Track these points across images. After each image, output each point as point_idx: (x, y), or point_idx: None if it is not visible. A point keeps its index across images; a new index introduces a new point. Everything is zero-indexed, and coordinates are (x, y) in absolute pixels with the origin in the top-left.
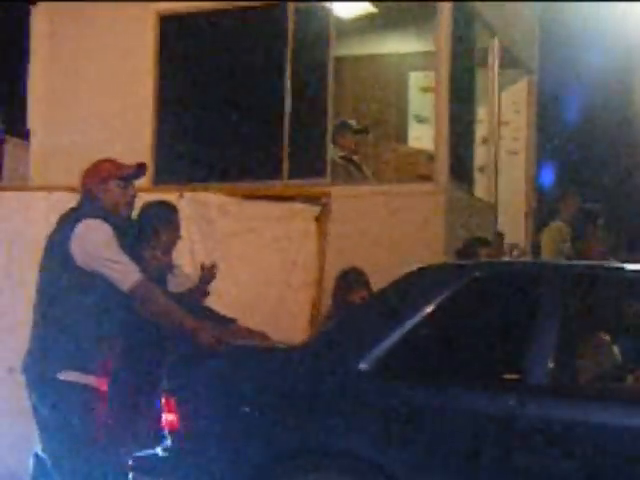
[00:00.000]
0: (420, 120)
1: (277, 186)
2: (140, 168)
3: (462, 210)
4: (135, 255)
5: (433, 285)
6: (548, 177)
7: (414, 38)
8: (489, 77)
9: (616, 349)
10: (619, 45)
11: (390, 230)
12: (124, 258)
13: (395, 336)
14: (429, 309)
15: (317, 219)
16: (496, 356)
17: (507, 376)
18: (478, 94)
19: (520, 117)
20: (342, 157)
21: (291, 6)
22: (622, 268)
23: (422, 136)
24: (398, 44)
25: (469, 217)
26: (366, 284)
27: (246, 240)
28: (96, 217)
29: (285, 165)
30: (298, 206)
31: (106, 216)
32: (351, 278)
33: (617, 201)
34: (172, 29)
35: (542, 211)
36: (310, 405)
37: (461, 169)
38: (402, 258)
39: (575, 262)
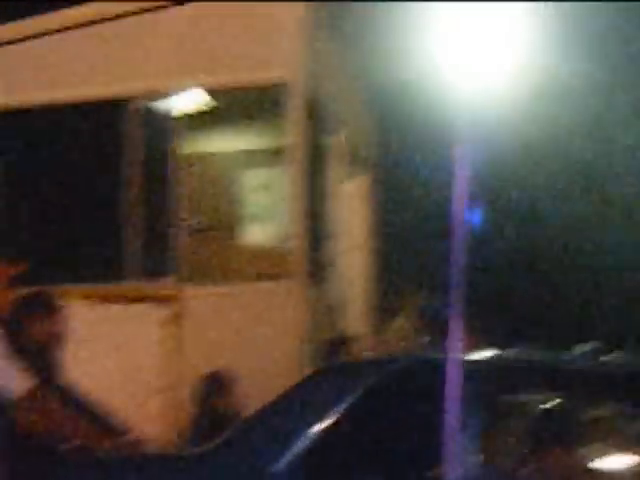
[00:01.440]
0: (254, 218)
1: (125, 287)
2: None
3: (318, 308)
4: None
5: (345, 383)
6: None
7: (249, 135)
8: (334, 173)
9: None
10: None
11: (247, 330)
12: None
13: (309, 437)
14: (342, 408)
15: (167, 322)
16: (416, 454)
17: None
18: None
19: (359, 213)
20: None
21: (133, 102)
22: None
23: (256, 235)
24: (232, 142)
25: (322, 315)
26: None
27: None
28: None
29: (132, 265)
30: (146, 308)
31: None
32: (218, 381)
33: None
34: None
35: (386, 308)
36: None
37: (315, 266)
38: (262, 358)
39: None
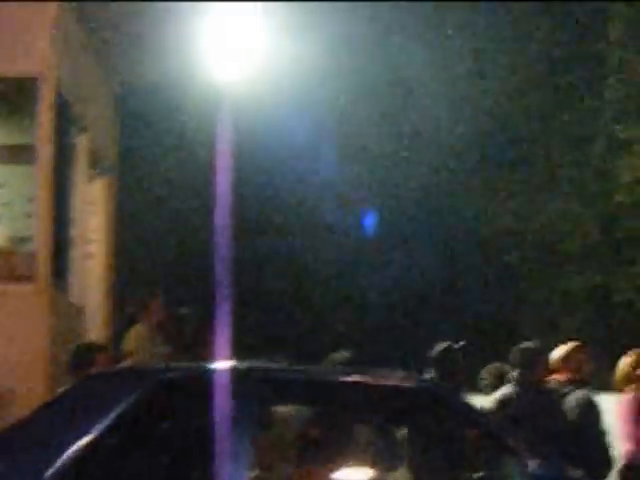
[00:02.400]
0: None
1: None
2: None
3: (61, 312)
4: None
5: (116, 390)
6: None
7: None
8: (77, 175)
9: None
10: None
11: None
12: None
13: (79, 447)
14: (114, 416)
15: None
16: (189, 464)
17: None
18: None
19: (98, 216)
20: None
21: None
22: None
23: None
24: None
25: (66, 320)
26: None
27: None
28: None
29: None
30: None
31: None
32: None
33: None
34: None
35: (126, 314)
36: None
37: (59, 270)
38: (5, 363)
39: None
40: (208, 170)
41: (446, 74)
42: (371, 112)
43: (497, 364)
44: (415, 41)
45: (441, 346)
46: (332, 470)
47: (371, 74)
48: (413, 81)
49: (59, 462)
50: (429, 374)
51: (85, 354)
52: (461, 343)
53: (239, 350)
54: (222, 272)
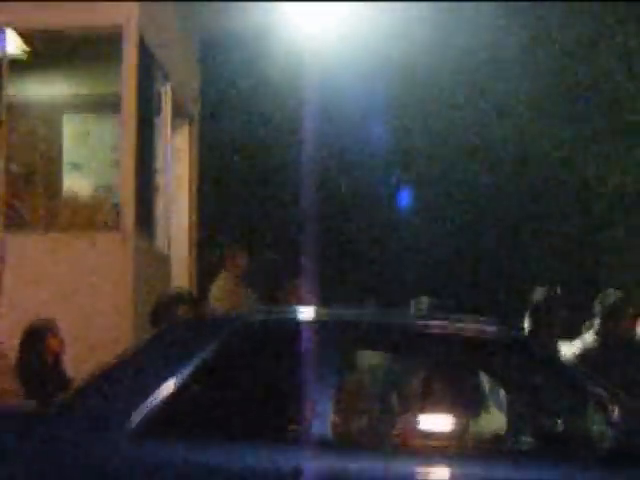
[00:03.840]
0: (75, 167)
1: None
2: None
3: (146, 261)
4: None
5: (198, 338)
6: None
7: (70, 80)
8: (162, 124)
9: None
10: (281, 93)
11: (73, 280)
12: None
13: (164, 392)
14: (198, 363)
15: None
16: (272, 411)
17: (287, 431)
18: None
19: (181, 165)
20: None
21: None
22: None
23: (77, 184)
24: (53, 87)
25: (151, 268)
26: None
27: None
28: None
29: None
30: None
31: None
32: (44, 330)
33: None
34: None
35: (211, 262)
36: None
37: (145, 219)
38: (90, 311)
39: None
40: (290, 120)
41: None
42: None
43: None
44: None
45: (539, 293)
46: (415, 417)
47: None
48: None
49: (142, 408)
50: (523, 322)
51: (168, 304)
52: (558, 291)
53: (324, 296)
54: (307, 220)
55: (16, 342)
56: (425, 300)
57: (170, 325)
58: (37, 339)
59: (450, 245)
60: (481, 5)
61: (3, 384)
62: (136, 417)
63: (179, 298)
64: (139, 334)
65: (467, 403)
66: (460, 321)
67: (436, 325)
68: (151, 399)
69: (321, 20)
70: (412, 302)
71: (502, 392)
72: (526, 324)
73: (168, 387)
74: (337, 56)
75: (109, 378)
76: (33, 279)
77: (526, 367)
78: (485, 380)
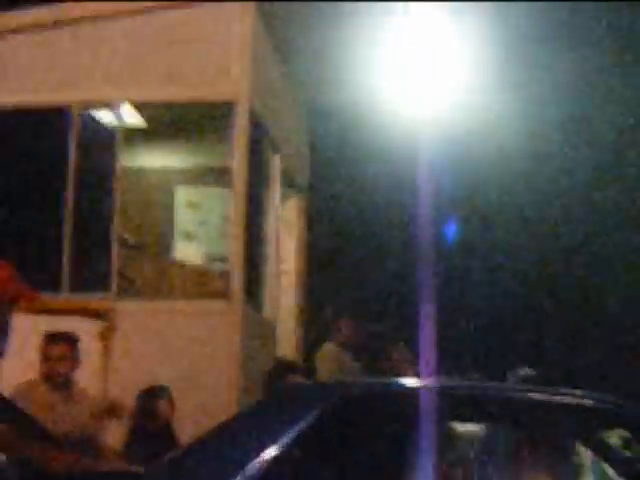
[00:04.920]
0: (186, 236)
1: (59, 299)
2: None
3: (253, 329)
4: None
5: (301, 406)
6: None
7: (182, 152)
8: (271, 195)
9: None
10: (389, 159)
11: (183, 347)
12: None
13: (263, 460)
14: (300, 431)
15: (102, 336)
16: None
17: None
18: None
19: (290, 235)
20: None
21: (75, 111)
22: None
23: (188, 252)
24: (166, 158)
25: (258, 336)
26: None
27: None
28: None
29: (66, 277)
30: (81, 321)
31: None
32: (155, 395)
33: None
34: None
35: (317, 331)
36: None
37: (252, 287)
38: (198, 377)
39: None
40: (400, 191)
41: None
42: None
43: None
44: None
45: None
46: None
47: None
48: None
49: (244, 474)
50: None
51: (281, 372)
52: None
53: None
54: (417, 290)
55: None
56: (524, 370)
57: (274, 393)
58: (150, 404)
59: (540, 310)
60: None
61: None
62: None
63: (291, 367)
64: (245, 400)
65: (568, 475)
66: (568, 394)
67: (542, 397)
68: (252, 465)
69: (430, 93)
70: (510, 373)
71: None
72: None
73: (269, 454)
74: (448, 125)
75: (213, 443)
76: (143, 345)
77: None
78: (587, 454)
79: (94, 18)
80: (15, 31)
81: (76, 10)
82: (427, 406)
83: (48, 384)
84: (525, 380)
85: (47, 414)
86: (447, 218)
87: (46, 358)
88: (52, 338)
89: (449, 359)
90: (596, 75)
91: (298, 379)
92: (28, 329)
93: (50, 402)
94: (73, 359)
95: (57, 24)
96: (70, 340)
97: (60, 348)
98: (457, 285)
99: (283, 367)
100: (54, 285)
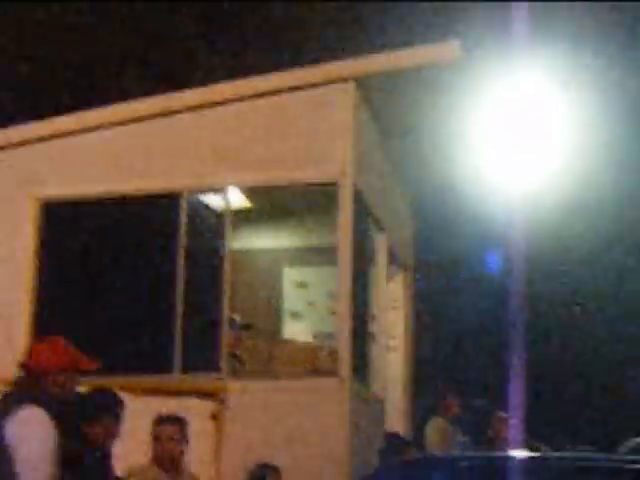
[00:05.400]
0: (294, 315)
1: (170, 380)
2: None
3: (362, 406)
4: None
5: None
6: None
7: (287, 233)
8: (377, 273)
9: None
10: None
11: (292, 424)
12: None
13: None
14: None
15: (213, 416)
16: None
17: None
18: (367, 288)
19: (397, 313)
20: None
21: (184, 197)
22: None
23: (296, 332)
24: (271, 239)
25: (367, 413)
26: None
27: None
28: (40, 404)
29: (178, 358)
30: (193, 402)
31: (49, 401)
32: (267, 475)
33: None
34: (56, 216)
35: (422, 407)
36: None
37: (361, 364)
38: (307, 455)
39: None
40: (501, 267)
41: None
42: None
43: None
44: None
45: None
46: None
47: None
48: None
49: None
50: None
51: (399, 447)
52: None
53: (535, 437)
54: (515, 364)
55: None
56: (636, 442)
57: (385, 467)
58: None
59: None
60: None
61: None
62: None
63: (409, 442)
64: (355, 475)
65: None
66: None
67: None
68: None
69: (531, 171)
70: (624, 445)
71: None
72: None
73: None
74: (545, 206)
75: None
76: (253, 424)
77: None
78: None
79: (204, 104)
80: (133, 120)
81: (187, 97)
82: (528, 477)
83: (158, 465)
84: (637, 450)
85: None
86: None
87: (156, 439)
88: (162, 419)
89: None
90: None
91: (413, 453)
92: (141, 410)
93: None
94: (182, 439)
95: (168, 113)
96: (179, 421)
97: (169, 429)
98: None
99: (402, 442)
100: (166, 367)
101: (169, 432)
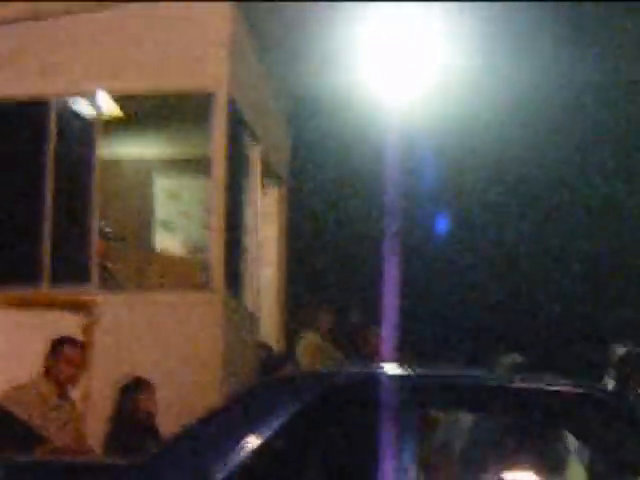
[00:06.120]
0: (166, 226)
1: (38, 292)
2: None
3: (235, 319)
4: None
5: (283, 397)
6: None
7: (160, 142)
8: (250, 186)
9: None
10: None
11: (164, 339)
12: None
13: (250, 449)
14: (282, 422)
15: (83, 330)
16: (355, 472)
17: None
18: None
19: (270, 226)
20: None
21: (53, 103)
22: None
23: (168, 243)
24: (143, 148)
25: (240, 326)
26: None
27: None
28: None
29: (46, 270)
30: (62, 314)
31: None
32: (138, 388)
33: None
34: None
35: (298, 321)
36: None
37: (233, 278)
38: (180, 368)
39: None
40: (380, 180)
41: None
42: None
43: None
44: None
45: (620, 351)
46: (497, 476)
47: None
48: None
49: (224, 466)
50: (607, 378)
51: (275, 363)
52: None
53: (408, 353)
54: (389, 276)
55: (109, 399)
56: (513, 357)
57: (256, 384)
58: (132, 397)
59: (525, 295)
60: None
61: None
62: (219, 475)
63: (283, 358)
64: (227, 390)
65: (551, 462)
66: (547, 382)
67: (523, 386)
68: (236, 456)
69: (413, 78)
70: (499, 359)
71: (584, 450)
72: (607, 381)
73: (251, 446)
74: (429, 114)
75: (195, 434)
76: (125, 337)
77: (613, 426)
78: (570, 439)
79: (73, 12)
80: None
81: (56, 5)
82: (399, 394)
83: (53, 385)
84: (514, 367)
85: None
86: (433, 209)
87: (56, 359)
88: (63, 340)
89: (439, 345)
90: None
91: (291, 369)
92: (6, 323)
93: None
94: (81, 364)
95: (37, 17)
96: (79, 345)
97: (71, 351)
98: (448, 273)
99: (278, 357)
100: (34, 278)
101: (70, 355)
